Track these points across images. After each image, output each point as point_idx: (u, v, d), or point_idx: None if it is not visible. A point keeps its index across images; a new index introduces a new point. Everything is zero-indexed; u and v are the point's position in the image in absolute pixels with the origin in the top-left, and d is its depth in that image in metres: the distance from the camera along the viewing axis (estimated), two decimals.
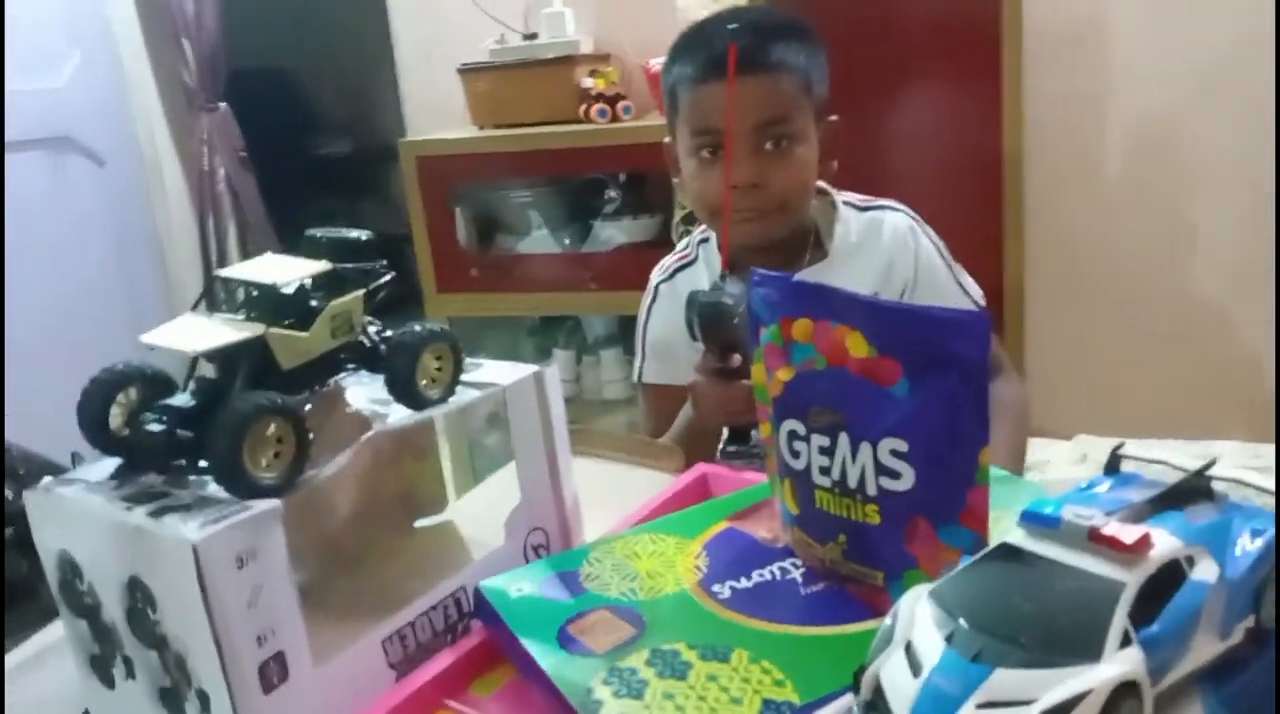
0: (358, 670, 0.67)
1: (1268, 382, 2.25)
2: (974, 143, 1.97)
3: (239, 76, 3.27)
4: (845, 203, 1.26)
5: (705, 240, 1.30)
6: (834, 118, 1.21)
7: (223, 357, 0.66)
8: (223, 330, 0.65)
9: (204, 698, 0.60)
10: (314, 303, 0.69)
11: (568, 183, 2.49)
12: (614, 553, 0.75)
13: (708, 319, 0.94)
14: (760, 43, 1.12)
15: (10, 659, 0.84)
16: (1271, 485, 0.58)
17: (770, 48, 1.13)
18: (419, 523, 0.89)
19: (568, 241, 2.45)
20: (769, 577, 0.71)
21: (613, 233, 2.39)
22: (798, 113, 1.16)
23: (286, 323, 0.67)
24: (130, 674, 0.65)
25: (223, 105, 3.15)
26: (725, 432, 1.04)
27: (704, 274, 1.28)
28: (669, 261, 1.33)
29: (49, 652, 0.78)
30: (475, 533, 0.86)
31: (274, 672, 0.61)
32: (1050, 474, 1.37)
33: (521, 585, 0.72)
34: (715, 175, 1.16)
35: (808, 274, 1.19)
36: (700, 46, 1.16)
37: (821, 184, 1.24)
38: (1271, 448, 1.40)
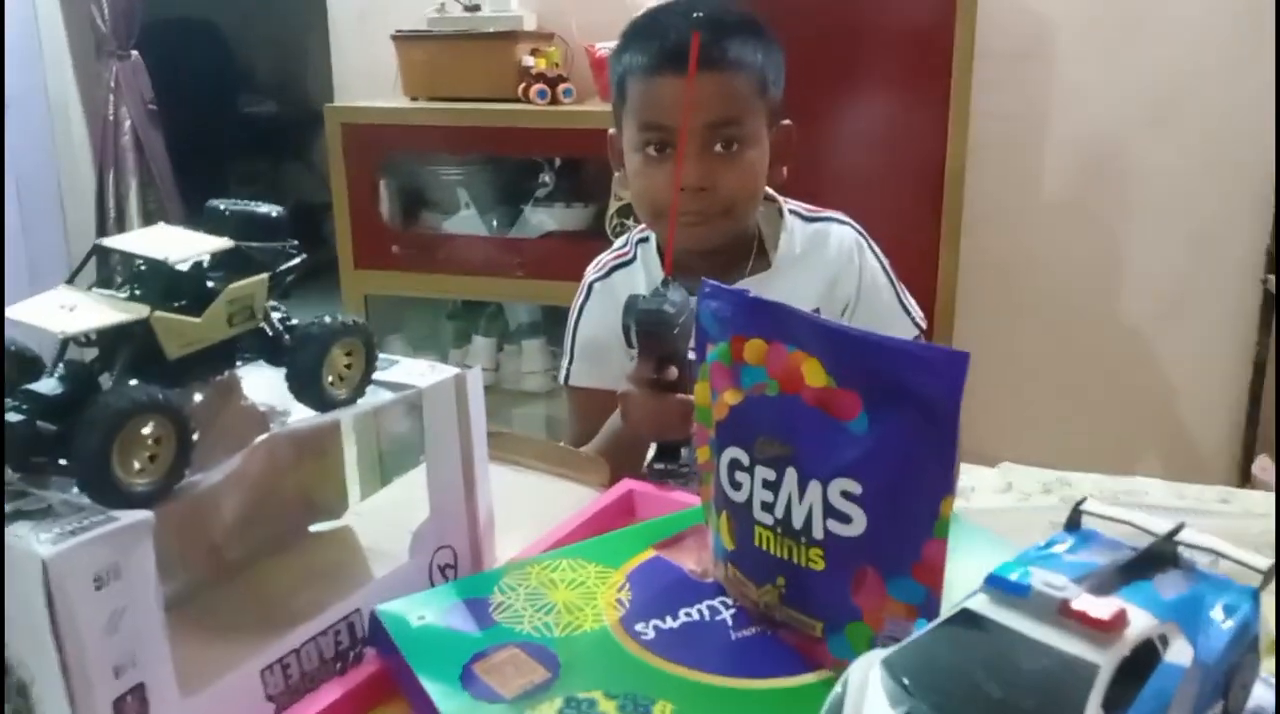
0: (231, 704, 0.59)
1: (1186, 417, 2.29)
2: (917, 156, 1.94)
3: (158, 26, 3.11)
4: (791, 212, 1.21)
5: (644, 240, 1.24)
6: (786, 122, 1.16)
7: (99, 340, 0.57)
8: (100, 309, 0.56)
9: None
10: (211, 284, 0.61)
11: (501, 163, 2.40)
12: (529, 580, 0.69)
13: (647, 327, 0.88)
14: (717, 38, 1.06)
15: None
16: (1244, 558, 0.54)
17: (727, 44, 1.07)
18: (314, 527, 0.81)
19: (496, 224, 2.37)
20: (696, 616, 0.65)
21: (543, 219, 2.31)
22: (751, 115, 1.10)
23: (177, 305, 0.59)
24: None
25: (134, 54, 2.97)
26: (653, 446, 0.99)
27: (641, 275, 1.22)
28: (605, 259, 1.26)
29: None
30: (376, 542, 0.79)
31: (131, 707, 0.53)
32: (975, 502, 1.34)
33: (424, 613, 0.65)
34: (661, 174, 1.10)
35: (749, 283, 1.14)
36: (655, 35, 1.09)
37: (769, 191, 1.19)
38: (1195, 488, 1.40)
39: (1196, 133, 2.14)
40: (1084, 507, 0.58)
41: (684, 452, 0.95)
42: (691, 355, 0.92)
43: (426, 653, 0.62)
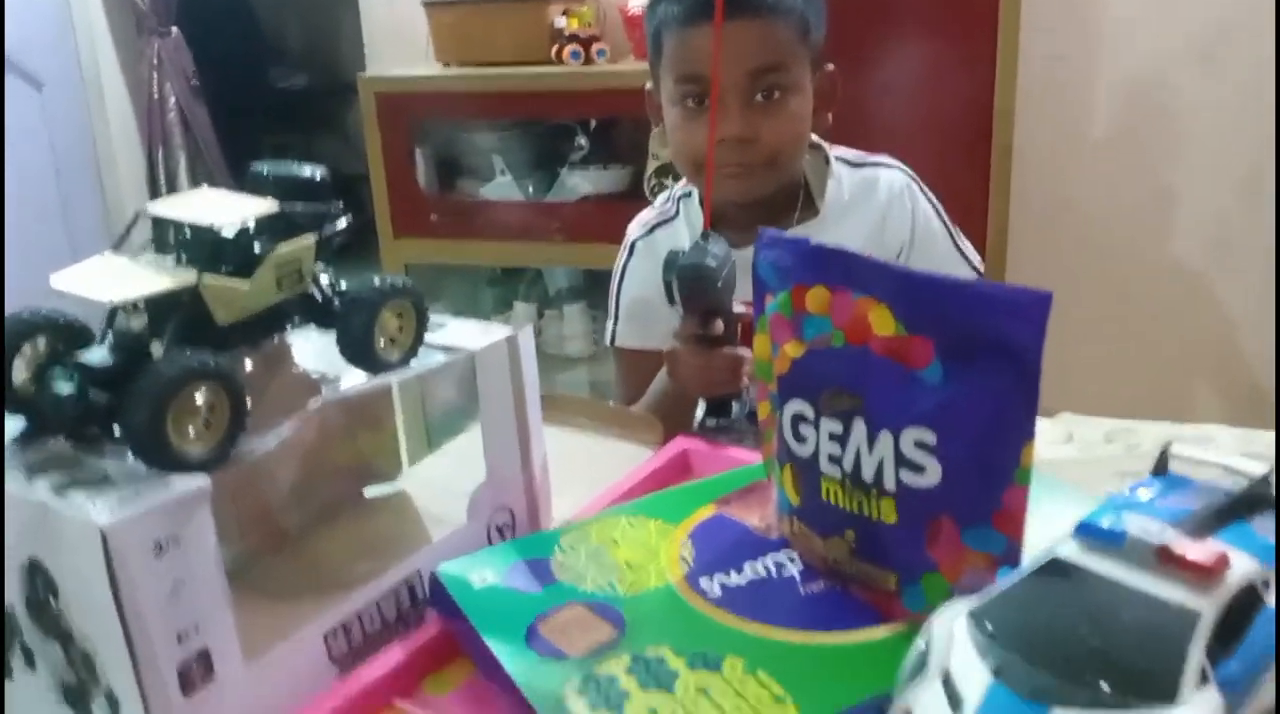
0: (295, 667, 0.58)
1: (1243, 357, 2.23)
2: (965, 99, 1.89)
3: (194, 2, 3.10)
4: (838, 158, 1.18)
5: (687, 196, 1.21)
6: (830, 67, 1.13)
7: (148, 308, 0.56)
8: (148, 276, 0.55)
9: (113, 701, 0.52)
10: (257, 248, 0.59)
11: (536, 127, 2.38)
12: (589, 539, 0.68)
13: (688, 282, 0.86)
14: None
15: None
16: None
17: None
18: (369, 492, 0.80)
19: (532, 189, 2.35)
20: (763, 572, 0.64)
21: (580, 182, 2.29)
22: (793, 61, 1.07)
23: (225, 270, 0.58)
24: (30, 665, 0.56)
25: (174, 30, 2.98)
26: (702, 403, 0.97)
27: (684, 232, 1.19)
28: (647, 217, 1.24)
29: None
30: (431, 506, 0.78)
31: (196, 672, 0.53)
32: (1037, 454, 1.31)
33: (485, 574, 0.64)
34: (701, 127, 1.07)
35: (796, 233, 1.11)
36: None
37: (815, 138, 1.16)
38: (1264, 435, 1.35)
39: (1247, 69, 2.07)
40: (1173, 451, 0.56)
41: (734, 407, 0.93)
42: (739, 307, 0.90)
43: (490, 613, 0.60)
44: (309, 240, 0.61)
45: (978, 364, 0.52)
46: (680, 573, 0.64)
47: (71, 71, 2.90)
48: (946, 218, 1.19)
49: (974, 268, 1.19)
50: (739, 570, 0.64)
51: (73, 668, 0.54)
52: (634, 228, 1.24)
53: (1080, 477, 1.28)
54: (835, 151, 1.19)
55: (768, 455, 0.68)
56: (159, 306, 0.56)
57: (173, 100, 3.00)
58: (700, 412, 0.96)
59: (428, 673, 0.63)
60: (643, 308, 1.19)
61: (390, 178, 2.26)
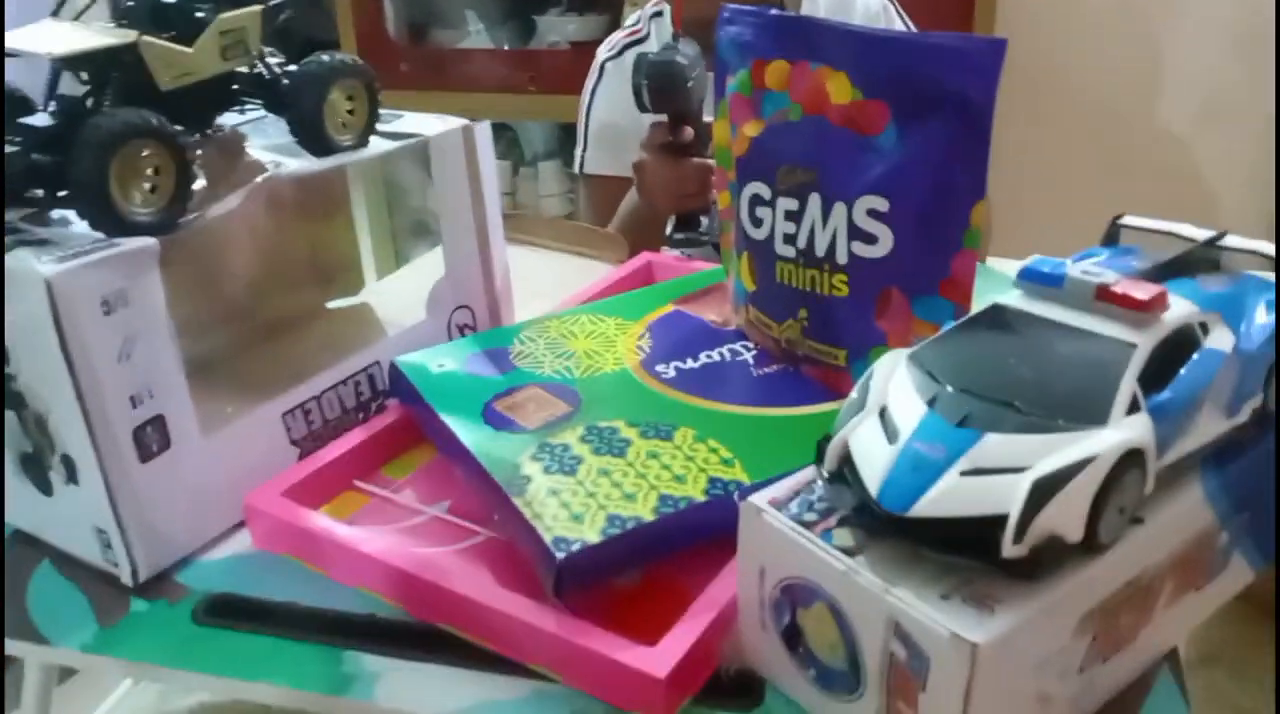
0: (254, 444, 0.59)
1: (1229, 224, 2.22)
2: None
3: None
4: None
5: (658, 14, 1.18)
6: None
7: (89, 67, 0.55)
8: (87, 36, 0.54)
9: (69, 464, 0.52)
10: (200, 15, 0.58)
11: None
12: (548, 332, 0.68)
13: (658, 81, 0.84)
14: None
15: None
16: None
17: None
18: (331, 304, 0.80)
19: (507, 41, 2.29)
20: (718, 358, 0.64)
21: (557, 32, 2.23)
22: None
23: (167, 36, 0.56)
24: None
25: None
26: (672, 218, 0.96)
27: (652, 46, 1.17)
28: (617, 38, 1.21)
29: None
30: (394, 316, 0.78)
31: (152, 438, 0.53)
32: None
33: (444, 361, 0.65)
34: None
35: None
36: None
37: None
38: None
39: None
40: (1122, 221, 0.56)
41: (704, 220, 0.93)
42: (707, 118, 0.89)
43: (448, 396, 0.61)
44: (254, 9, 0.59)
45: (931, 121, 0.52)
46: (636, 359, 0.64)
47: None
48: None
49: None
50: (694, 357, 0.64)
51: (28, 434, 0.54)
52: (603, 49, 1.21)
53: None
54: None
55: (726, 249, 0.68)
56: (101, 69, 0.55)
57: None
58: (669, 227, 0.95)
59: (387, 457, 0.64)
60: (612, 133, 1.17)
61: (358, 27, 2.20)
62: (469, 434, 0.57)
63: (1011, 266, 1.43)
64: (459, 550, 0.55)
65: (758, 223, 0.61)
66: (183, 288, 0.56)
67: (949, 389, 0.42)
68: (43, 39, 0.53)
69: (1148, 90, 2.18)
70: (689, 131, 0.89)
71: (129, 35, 0.54)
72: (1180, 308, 0.44)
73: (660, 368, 0.63)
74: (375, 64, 2.13)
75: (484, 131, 0.69)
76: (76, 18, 0.56)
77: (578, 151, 1.22)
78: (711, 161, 0.89)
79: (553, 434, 0.56)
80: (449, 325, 0.71)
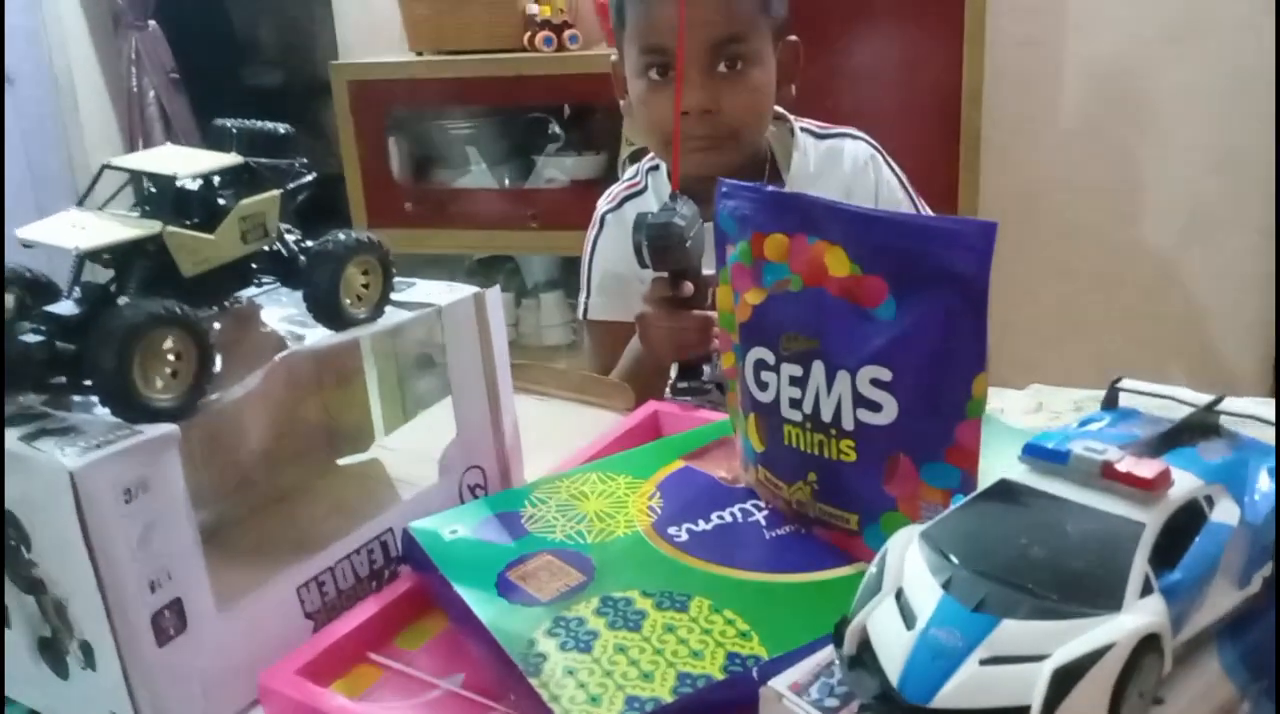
0: (269, 620, 0.59)
1: (1213, 338, 2.25)
2: (934, 83, 1.91)
3: None
4: (803, 129, 1.19)
5: (655, 168, 1.22)
6: (793, 38, 1.14)
7: (113, 258, 0.57)
8: (113, 227, 0.56)
9: (88, 650, 0.53)
10: (222, 201, 0.60)
11: (510, 115, 2.38)
12: (559, 493, 0.69)
13: (657, 242, 0.87)
14: None
15: None
16: None
17: None
18: (342, 461, 0.81)
19: (508, 178, 2.35)
20: (729, 519, 0.65)
21: (555, 170, 2.29)
22: (754, 32, 1.07)
23: (189, 223, 0.58)
24: (4, 620, 0.57)
25: (152, 24, 2.97)
26: (675, 367, 0.98)
27: (653, 204, 1.20)
28: (616, 190, 1.25)
29: None
30: (405, 473, 0.79)
31: (169, 621, 0.53)
32: (1006, 422, 1.33)
33: (456, 527, 0.65)
34: (664, 98, 1.08)
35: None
36: None
37: (779, 110, 1.17)
38: (1233, 400, 1.37)
39: (1213, 52, 2.09)
40: (1121, 384, 0.57)
41: (706, 369, 0.94)
42: (708, 271, 0.91)
43: (461, 564, 0.61)
44: (274, 194, 0.62)
45: (928, 297, 0.54)
46: (648, 521, 0.65)
47: (42, 68, 2.88)
48: (911, 189, 1.20)
49: None
50: (705, 519, 0.65)
51: (46, 619, 0.54)
52: (603, 202, 1.25)
53: None
54: (800, 123, 1.20)
55: (732, 407, 0.69)
56: (125, 258, 0.57)
57: (152, 94, 2.99)
58: (673, 375, 0.97)
59: (401, 627, 0.64)
60: (614, 281, 1.20)
61: (364, 167, 2.26)
62: (483, 607, 0.57)
63: (1013, 398, 1.42)
64: None
65: (763, 386, 0.63)
66: (197, 460, 0.57)
67: (963, 571, 0.43)
68: (68, 231, 0.55)
69: (1128, 211, 2.24)
70: (689, 286, 0.91)
71: (153, 226, 0.56)
72: (1184, 483, 0.45)
73: (673, 531, 0.63)
74: (380, 204, 2.21)
75: (494, 297, 0.71)
76: (102, 207, 0.59)
77: (581, 297, 1.25)
78: (712, 313, 0.91)
79: (568, 607, 0.57)
80: (460, 486, 0.72)
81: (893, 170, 1.19)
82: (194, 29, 3.28)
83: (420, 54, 2.29)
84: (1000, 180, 2.12)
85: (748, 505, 0.66)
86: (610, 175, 2.18)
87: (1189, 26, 2.10)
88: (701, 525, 0.64)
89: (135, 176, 0.60)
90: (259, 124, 0.65)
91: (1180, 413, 0.55)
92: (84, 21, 2.94)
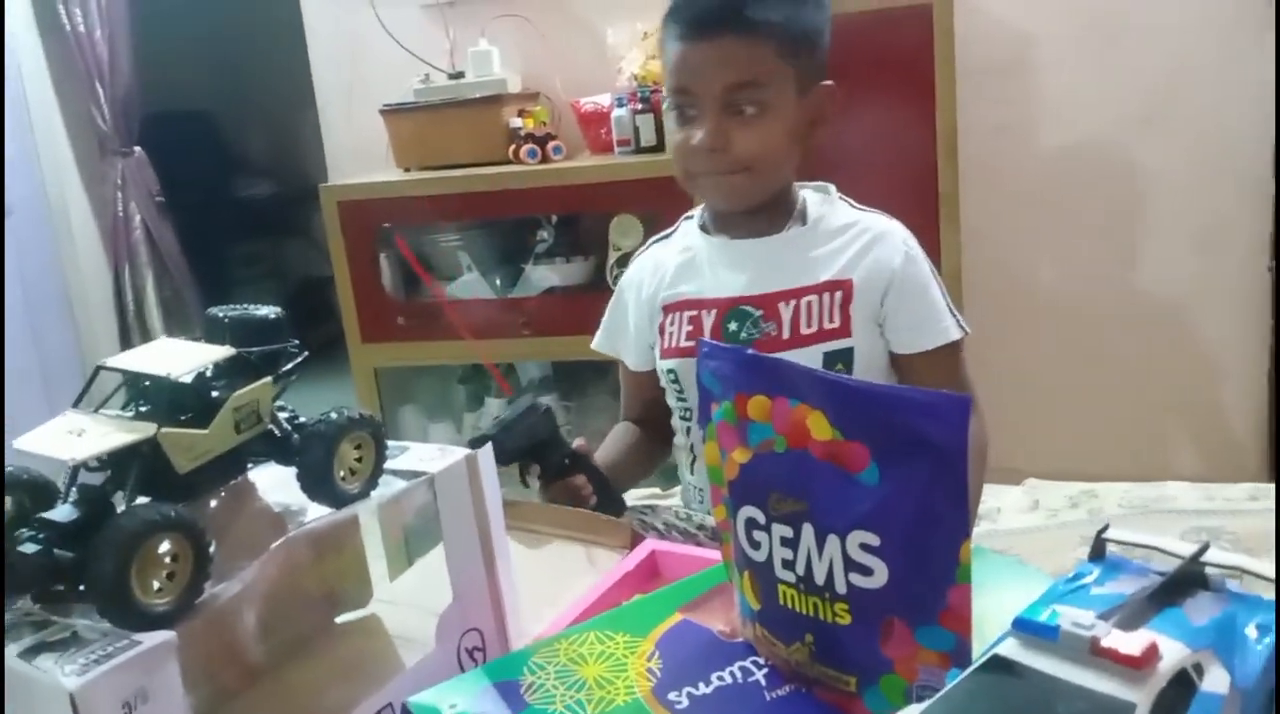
0: None
1: (1209, 410, 2.26)
2: (910, 176, 1.95)
3: (154, 120, 3.16)
4: (842, 198, 1.24)
5: (689, 217, 1.29)
6: (828, 83, 1.17)
7: (109, 461, 0.58)
8: (108, 432, 0.57)
9: None
10: (216, 393, 0.61)
11: (499, 224, 2.42)
12: (558, 657, 0.69)
13: (493, 448, 0.84)
14: (742, 2, 1.09)
15: None
16: (1269, 571, 0.53)
17: (750, 7, 1.09)
18: (340, 618, 0.81)
19: (499, 284, 2.38)
20: (729, 679, 0.65)
21: (545, 275, 2.33)
22: (770, 79, 1.11)
23: (183, 418, 0.60)
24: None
25: (137, 150, 3.03)
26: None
27: (677, 245, 1.26)
28: (653, 237, 1.33)
29: None
30: (402, 627, 0.78)
31: None
32: (1002, 524, 1.33)
33: (455, 701, 0.65)
34: (684, 134, 1.15)
35: (785, 238, 1.19)
36: (689, 4, 1.13)
37: (825, 185, 1.23)
38: (1224, 488, 1.38)
39: (1188, 130, 2.14)
40: (1107, 535, 0.58)
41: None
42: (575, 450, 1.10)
43: None
44: (266, 382, 0.63)
45: (909, 466, 0.54)
46: (648, 686, 0.65)
47: (38, 196, 2.93)
48: (939, 279, 1.21)
49: (960, 326, 1.20)
50: (706, 682, 0.65)
51: None
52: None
53: (1047, 544, 1.31)
54: (841, 196, 1.25)
55: (727, 558, 0.69)
56: (120, 460, 0.58)
57: (138, 218, 3.05)
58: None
59: None
60: (614, 315, 1.33)
61: (356, 285, 2.29)
62: None
63: (1010, 496, 1.44)
64: None
65: (755, 545, 0.63)
66: (192, 651, 0.57)
67: None
68: (64, 439, 0.56)
69: (1114, 288, 2.26)
70: (535, 469, 1.10)
71: (148, 429, 0.57)
72: (1172, 655, 0.45)
73: (673, 696, 0.63)
74: (373, 320, 2.24)
75: (486, 456, 0.72)
76: (96, 409, 0.60)
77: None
78: (573, 482, 1.11)
79: None
80: (459, 651, 0.72)
81: (925, 254, 1.21)
82: (181, 150, 3.35)
83: (407, 170, 2.34)
84: (984, 267, 2.15)
85: (747, 663, 0.66)
86: (599, 280, 2.22)
87: (1160, 107, 2.15)
88: (702, 688, 0.64)
89: (120, 374, 0.61)
90: (250, 311, 0.66)
91: (1165, 560, 0.56)
92: (70, 148, 3.01)
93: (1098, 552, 0.58)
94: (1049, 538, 1.27)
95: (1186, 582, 0.53)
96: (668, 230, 1.32)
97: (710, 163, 1.13)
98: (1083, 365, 2.30)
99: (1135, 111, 2.16)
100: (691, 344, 1.23)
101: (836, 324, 1.15)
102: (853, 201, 1.25)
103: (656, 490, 1.65)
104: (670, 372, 1.24)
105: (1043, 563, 0.73)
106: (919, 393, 0.54)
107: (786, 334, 1.16)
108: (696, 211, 1.28)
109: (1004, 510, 1.38)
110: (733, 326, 1.19)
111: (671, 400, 1.27)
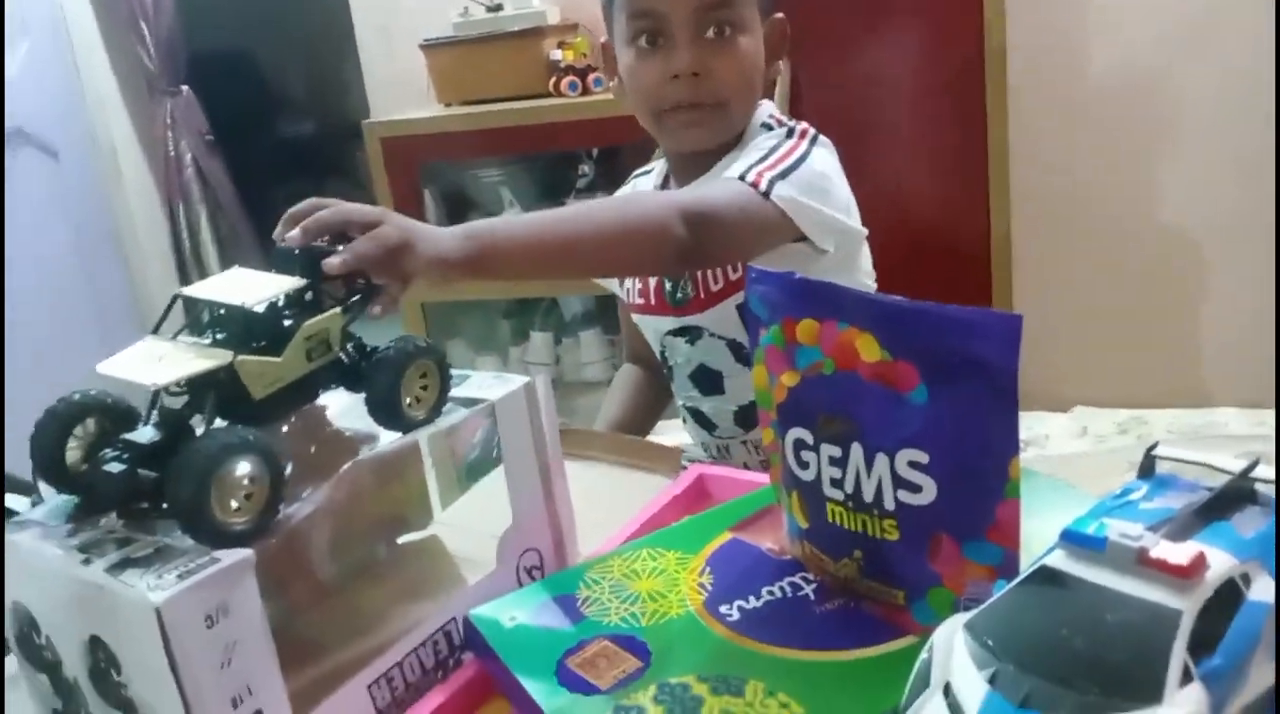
0: None
1: (1254, 336, 2.23)
2: (956, 98, 1.92)
3: (198, 59, 3.18)
4: (770, 117, 1.16)
5: (648, 171, 1.28)
6: (779, 15, 1.14)
7: (188, 387, 0.60)
8: (186, 358, 0.59)
9: None
10: (287, 323, 0.64)
11: (540, 159, 2.43)
12: (612, 572, 0.71)
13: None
14: None
15: None
16: None
17: None
18: (402, 540, 0.84)
19: None
20: (779, 594, 0.67)
21: (600, 198, 2.33)
22: (741, 1, 1.08)
23: (257, 346, 0.62)
24: (3, 650, 0.60)
25: (185, 89, 3.06)
26: None
27: (654, 178, 1.23)
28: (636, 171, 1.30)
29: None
30: (463, 548, 0.81)
31: None
32: (1051, 449, 1.33)
33: (515, 614, 0.68)
34: (653, 65, 1.07)
35: (726, 161, 1.09)
36: None
37: (777, 115, 1.16)
38: (1269, 413, 1.36)
39: (1236, 53, 2.08)
40: (1156, 452, 0.58)
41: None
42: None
43: (521, 652, 0.64)
44: (335, 312, 0.65)
45: (958, 385, 0.55)
46: (700, 600, 0.67)
47: (85, 139, 2.97)
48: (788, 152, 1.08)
49: (763, 191, 1.00)
50: (756, 595, 0.67)
51: None
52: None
53: (1095, 470, 1.31)
54: (771, 111, 1.17)
55: (775, 480, 0.71)
56: (198, 385, 0.60)
57: (188, 157, 3.09)
58: None
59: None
60: None
61: None
62: (546, 699, 0.60)
63: (1058, 424, 1.44)
64: None
65: (804, 465, 0.65)
66: (269, 572, 0.60)
67: (1008, 666, 0.45)
68: (143, 366, 0.59)
69: (1160, 214, 2.22)
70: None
71: (225, 356, 0.59)
72: (1220, 564, 0.46)
73: (724, 609, 0.65)
74: None
75: (544, 384, 0.74)
76: (175, 336, 0.62)
77: None
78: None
79: (627, 695, 0.59)
80: (518, 569, 0.74)
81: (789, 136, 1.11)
82: (226, 89, 3.37)
83: (448, 105, 2.34)
84: (1031, 192, 2.12)
85: (796, 579, 0.68)
86: None
87: (1209, 29, 2.09)
88: (752, 602, 0.66)
89: (197, 303, 0.64)
90: (320, 246, 0.68)
91: (1215, 476, 0.57)
92: (118, 89, 3.03)
93: (1147, 469, 0.59)
94: (1097, 463, 1.28)
95: (1235, 497, 0.54)
96: (650, 164, 1.28)
97: (691, 92, 1.06)
98: (1129, 292, 2.27)
99: (1184, 34, 2.10)
100: (642, 302, 1.22)
101: (739, 273, 1.09)
102: (777, 113, 1.16)
103: None
104: (638, 325, 1.24)
105: (1090, 488, 0.74)
106: (969, 312, 0.54)
107: (704, 294, 1.14)
108: (656, 166, 1.24)
109: (1052, 437, 1.38)
110: (669, 286, 1.18)
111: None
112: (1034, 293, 2.15)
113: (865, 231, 1.14)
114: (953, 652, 0.47)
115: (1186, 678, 0.43)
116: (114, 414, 0.62)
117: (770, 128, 1.15)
